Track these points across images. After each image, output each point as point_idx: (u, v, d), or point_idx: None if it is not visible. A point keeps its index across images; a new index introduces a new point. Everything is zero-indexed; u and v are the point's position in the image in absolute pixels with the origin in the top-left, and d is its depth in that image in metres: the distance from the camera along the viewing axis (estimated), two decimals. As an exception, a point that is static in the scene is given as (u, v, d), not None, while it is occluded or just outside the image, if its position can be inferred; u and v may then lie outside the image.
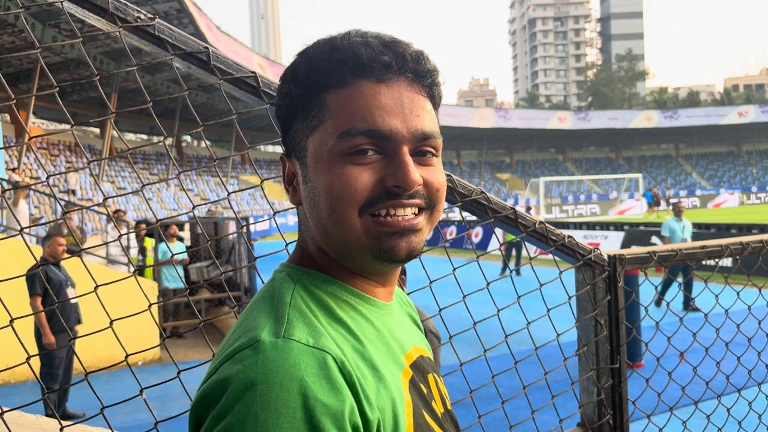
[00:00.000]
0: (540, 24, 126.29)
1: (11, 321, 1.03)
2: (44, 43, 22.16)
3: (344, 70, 0.75)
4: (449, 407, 0.89)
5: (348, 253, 0.78)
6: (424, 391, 0.82)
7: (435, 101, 0.82)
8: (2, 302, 0.96)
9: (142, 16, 1.09)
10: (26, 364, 1.05)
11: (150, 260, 10.75)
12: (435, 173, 0.79)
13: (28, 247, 1.04)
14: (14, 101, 0.96)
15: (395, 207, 0.75)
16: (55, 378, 6.13)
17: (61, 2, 1.01)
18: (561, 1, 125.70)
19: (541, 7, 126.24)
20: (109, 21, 1.06)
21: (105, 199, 0.96)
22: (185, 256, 10.03)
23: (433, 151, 0.79)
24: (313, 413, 0.63)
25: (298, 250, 0.85)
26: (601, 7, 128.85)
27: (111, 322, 1.05)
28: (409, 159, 0.75)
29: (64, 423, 1.08)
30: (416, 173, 0.74)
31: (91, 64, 1.03)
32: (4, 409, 1.04)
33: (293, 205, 0.84)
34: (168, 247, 9.76)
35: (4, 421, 1.04)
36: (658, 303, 8.45)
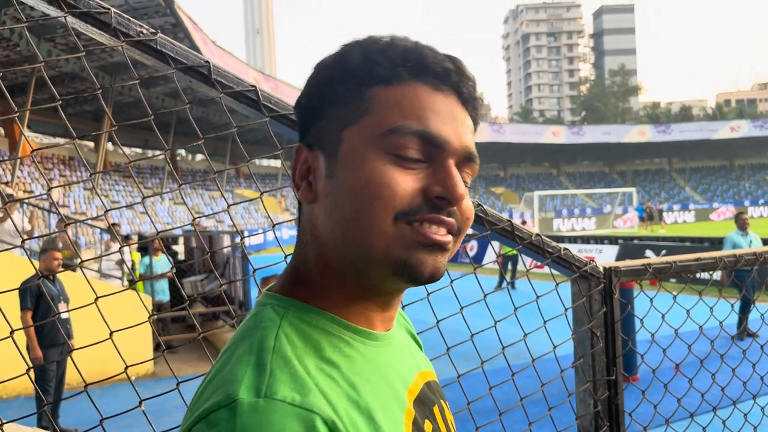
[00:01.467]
0: (534, 39, 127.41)
1: (11, 333, 1.03)
2: (39, 57, 22.25)
3: (402, 67, 0.69)
4: None
5: (362, 265, 0.68)
6: (430, 428, 0.74)
7: (475, 129, 0.76)
8: (4, 315, 0.97)
9: (144, 31, 1.11)
10: (20, 378, 1.05)
11: (137, 274, 10.73)
12: (468, 199, 0.73)
13: (31, 261, 1.05)
14: (17, 114, 0.97)
15: (434, 222, 0.67)
16: (47, 393, 6.09)
17: (65, 17, 1.02)
18: (554, 16, 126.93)
19: (534, 23, 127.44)
20: (112, 36, 1.07)
21: (107, 210, 0.97)
22: (168, 269, 10.00)
23: (471, 175, 0.74)
24: None
25: (291, 270, 0.75)
26: (594, 23, 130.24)
27: (111, 334, 1.06)
28: (457, 172, 0.69)
29: (63, 435, 1.08)
30: (463, 187, 0.68)
31: (94, 79, 1.04)
32: (3, 420, 1.04)
33: (289, 218, 0.79)
34: (144, 262, 9.75)
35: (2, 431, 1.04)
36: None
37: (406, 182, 0.66)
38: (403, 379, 0.74)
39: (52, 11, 1.05)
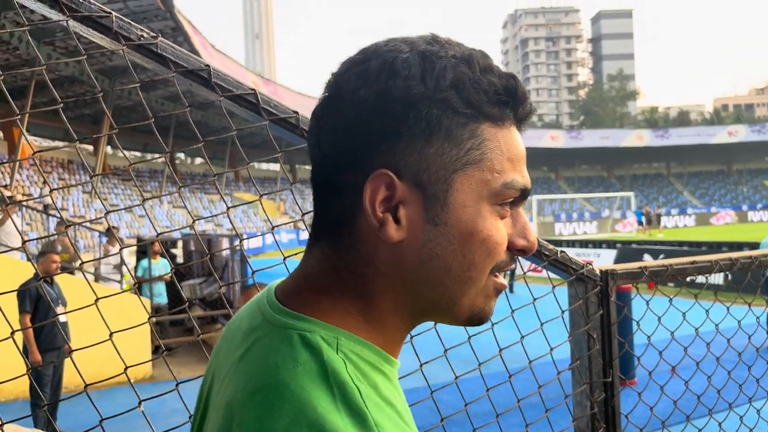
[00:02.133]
0: (532, 44, 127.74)
1: (12, 334, 1.04)
2: (39, 60, 22.21)
3: (508, 107, 0.65)
4: None
5: (439, 309, 0.66)
6: None
7: None
8: (5, 316, 0.98)
9: (145, 35, 1.12)
10: (17, 381, 1.06)
11: (126, 277, 10.74)
12: None
13: (32, 263, 1.06)
14: (18, 117, 0.98)
15: (508, 270, 0.68)
16: (42, 396, 6.08)
17: (66, 21, 1.04)
18: (553, 21, 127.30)
19: (533, 28, 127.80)
20: (113, 39, 1.08)
21: (107, 213, 0.98)
22: (167, 272, 10.01)
23: None
24: None
25: (329, 298, 0.65)
26: (592, 28, 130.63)
27: (111, 335, 1.07)
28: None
29: (63, 435, 1.09)
30: None
31: (95, 82, 1.05)
32: (3, 421, 1.05)
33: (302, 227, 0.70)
34: (142, 265, 9.76)
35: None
36: None
37: (505, 234, 0.65)
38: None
39: (54, 15, 1.06)
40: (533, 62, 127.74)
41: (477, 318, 0.67)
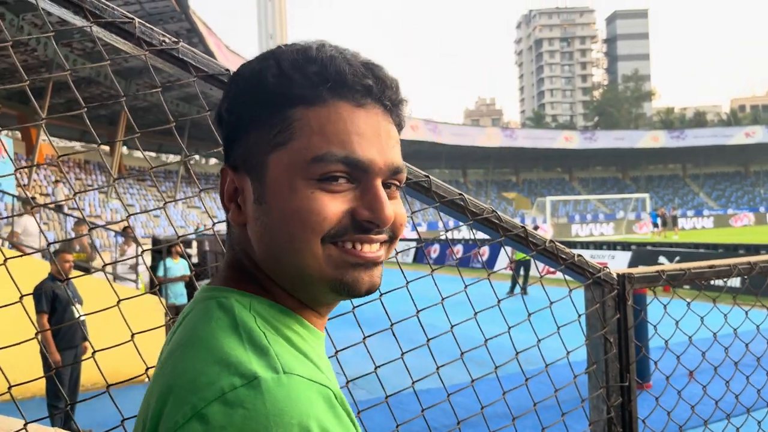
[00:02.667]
0: (546, 44, 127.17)
1: (36, 335, 1.06)
2: (57, 62, 22.30)
3: (323, 87, 0.69)
4: None
5: (301, 283, 0.71)
6: None
7: (399, 132, 0.77)
8: (29, 315, 1.00)
9: (167, 40, 1.13)
10: (28, 380, 1.07)
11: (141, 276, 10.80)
12: (399, 206, 0.74)
13: (54, 263, 1.07)
14: (44, 121, 0.99)
15: (363, 242, 0.69)
16: (61, 396, 6.14)
17: (90, 27, 1.05)
18: (567, 21, 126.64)
19: (547, 28, 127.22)
20: (135, 45, 1.10)
21: (128, 216, 0.99)
22: (187, 272, 10.06)
23: (399, 183, 0.74)
24: None
25: (234, 271, 0.75)
26: (608, 29, 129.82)
27: (132, 336, 1.08)
28: (384, 193, 0.70)
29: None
30: (391, 209, 0.69)
31: (117, 87, 1.07)
32: (27, 420, 1.07)
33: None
34: (165, 264, 9.87)
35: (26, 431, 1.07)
36: None
37: (333, 206, 0.67)
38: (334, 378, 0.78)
39: (78, 21, 1.08)
40: (547, 63, 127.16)
41: (342, 288, 0.69)
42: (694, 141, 61.11)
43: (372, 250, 0.70)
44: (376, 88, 0.71)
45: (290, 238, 0.68)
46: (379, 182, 0.70)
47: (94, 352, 1.08)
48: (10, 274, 1.05)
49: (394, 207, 0.72)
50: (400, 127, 0.76)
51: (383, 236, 0.71)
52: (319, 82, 0.69)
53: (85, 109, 1.07)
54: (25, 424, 1.09)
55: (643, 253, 16.84)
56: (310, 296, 0.72)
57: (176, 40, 1.14)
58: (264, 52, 0.74)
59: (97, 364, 1.08)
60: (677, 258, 15.01)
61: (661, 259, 15.43)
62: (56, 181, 13.08)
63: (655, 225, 35.45)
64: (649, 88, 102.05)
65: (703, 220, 45.38)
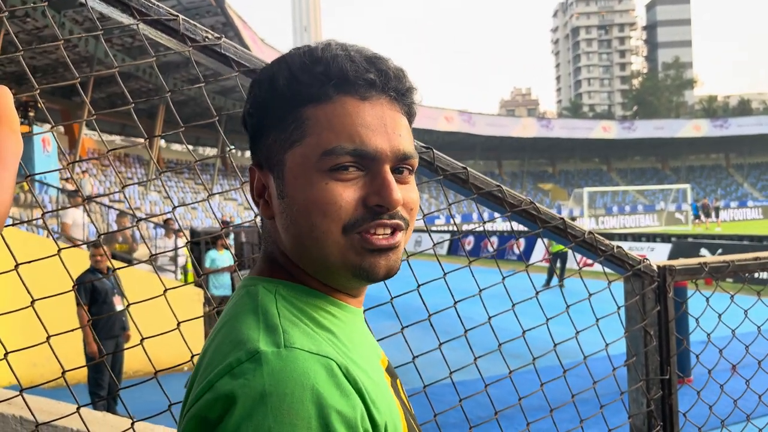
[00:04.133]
0: (584, 32, 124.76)
1: (89, 321, 1.10)
2: (96, 57, 22.78)
3: (328, 85, 0.74)
4: (414, 414, 0.87)
5: (325, 269, 0.76)
6: (400, 395, 0.81)
7: (411, 119, 0.82)
8: (81, 306, 1.03)
9: (210, 36, 1.16)
10: (62, 372, 1.11)
11: (189, 265, 10.99)
12: (410, 191, 0.78)
13: (108, 256, 1.11)
14: (94, 117, 1.03)
15: (377, 227, 0.74)
16: (101, 384, 6.32)
17: (137, 24, 1.08)
18: (605, 9, 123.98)
19: (585, 16, 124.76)
20: (180, 41, 1.13)
21: (174, 208, 1.02)
22: (232, 263, 10.21)
23: (411, 168, 0.79)
24: (328, 422, 0.61)
25: (266, 262, 0.82)
26: (647, 15, 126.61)
27: (178, 324, 1.11)
28: (392, 178, 0.74)
29: (134, 419, 1.14)
30: (399, 193, 0.74)
31: (166, 86, 1.10)
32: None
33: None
34: (210, 256, 10.08)
35: (80, 416, 1.11)
36: None
37: (347, 195, 0.73)
38: (376, 351, 0.82)
39: (125, 19, 1.11)
40: (584, 51, 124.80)
41: (361, 273, 0.74)
42: (738, 130, 59.29)
43: (386, 234, 0.75)
44: (379, 81, 0.75)
45: (311, 228, 0.73)
46: (386, 168, 0.74)
47: (142, 339, 1.12)
48: (64, 266, 1.09)
49: (406, 192, 0.76)
50: (409, 114, 0.81)
51: (397, 221, 0.75)
52: (325, 80, 0.74)
53: (133, 105, 1.11)
54: (78, 408, 1.14)
55: (684, 245, 16.46)
56: (336, 281, 0.77)
57: (219, 36, 1.16)
58: (278, 57, 0.81)
59: (145, 352, 1.12)
60: (719, 250, 14.63)
61: (703, 251, 15.06)
62: (84, 171, 13.35)
63: (696, 216, 34.59)
64: (690, 76, 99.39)
65: (747, 211, 44.09)
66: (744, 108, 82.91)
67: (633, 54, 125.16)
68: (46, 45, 1.10)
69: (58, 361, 1.14)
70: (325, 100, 0.74)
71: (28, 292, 1.08)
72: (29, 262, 1.04)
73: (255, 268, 0.82)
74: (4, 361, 1.15)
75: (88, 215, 1.17)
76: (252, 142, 0.81)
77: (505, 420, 1.58)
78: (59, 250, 1.09)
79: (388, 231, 0.75)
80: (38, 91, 1.10)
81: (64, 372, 1.09)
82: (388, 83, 0.76)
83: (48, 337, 1.11)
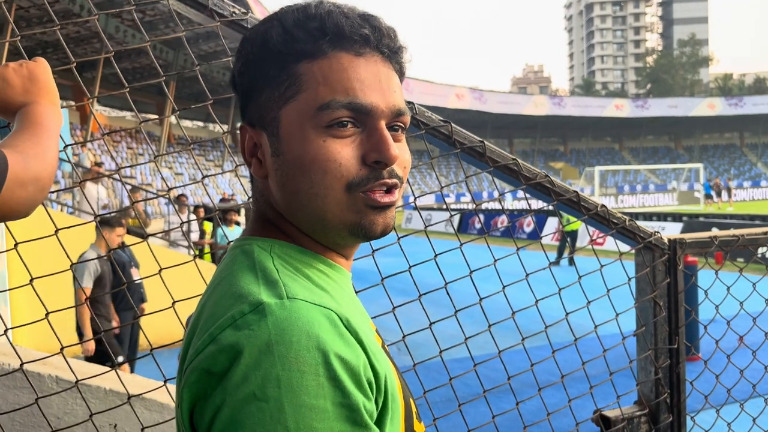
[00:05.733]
0: (597, 9, 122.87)
1: (119, 287, 1.15)
2: (107, 33, 22.70)
3: (323, 40, 0.74)
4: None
5: (322, 226, 0.76)
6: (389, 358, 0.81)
7: (402, 78, 0.82)
8: (114, 267, 1.08)
9: (237, 11, 1.19)
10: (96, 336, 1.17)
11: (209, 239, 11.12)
12: (404, 150, 0.79)
13: (138, 231, 1.16)
14: (119, 97, 1.07)
15: (381, 187, 0.74)
16: (117, 354, 6.46)
17: (168, 0, 1.12)
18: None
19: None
20: (208, 16, 1.17)
21: (196, 181, 1.07)
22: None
23: (404, 126, 0.79)
24: (334, 368, 0.61)
25: (259, 222, 0.81)
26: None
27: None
28: (388, 134, 0.74)
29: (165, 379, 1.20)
30: (395, 149, 0.74)
31: (194, 58, 1.14)
32: (119, 360, 1.17)
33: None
34: (224, 232, 10.16)
35: (117, 374, 1.18)
36: None
37: (346, 152, 0.73)
38: (365, 313, 0.82)
39: (155, -6, 1.14)
40: (598, 28, 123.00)
41: (360, 231, 0.75)
42: (753, 108, 58.56)
43: (386, 194, 0.75)
44: (373, 37, 0.75)
45: (311, 185, 0.73)
46: (382, 124, 0.74)
47: (162, 310, 1.17)
48: (103, 237, 1.14)
49: (400, 150, 0.77)
50: (401, 73, 0.81)
51: (394, 180, 0.76)
52: (319, 36, 0.74)
53: (164, 78, 1.15)
54: (113, 366, 1.20)
55: (695, 225, 16.41)
56: (329, 239, 0.78)
57: (245, 11, 1.20)
58: (269, 15, 0.80)
59: (183, 323, 1.18)
60: (731, 230, 14.57)
61: (714, 230, 15.01)
62: (82, 144, 13.38)
63: (708, 196, 34.36)
64: (706, 53, 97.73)
65: (761, 191, 43.70)
66: (760, 86, 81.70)
67: (648, 31, 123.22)
68: (75, 20, 1.14)
69: (95, 328, 1.20)
70: (320, 56, 0.74)
71: (65, 264, 1.13)
72: (59, 230, 1.09)
73: (247, 229, 0.83)
74: (28, 328, 1.21)
75: (106, 189, 1.21)
76: (243, 101, 0.80)
77: (521, 385, 1.64)
78: (96, 217, 1.14)
79: (385, 189, 0.76)
80: (74, 64, 1.14)
81: (99, 334, 1.15)
82: (382, 40, 0.76)
83: (77, 305, 1.16)
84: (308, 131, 0.73)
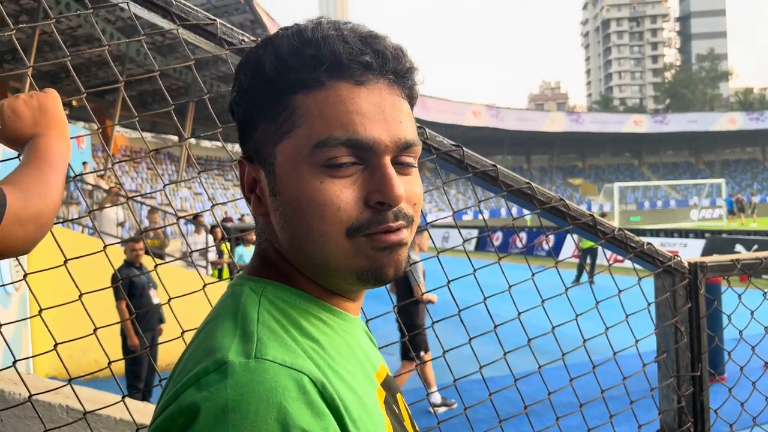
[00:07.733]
0: (614, 25, 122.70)
1: (129, 316, 1.15)
2: (128, 56, 23.16)
3: (319, 70, 0.66)
4: (417, 428, 0.81)
5: (325, 273, 0.70)
6: (396, 411, 0.74)
7: (412, 102, 0.74)
8: (127, 302, 1.08)
9: (246, 39, 1.20)
10: (108, 363, 1.16)
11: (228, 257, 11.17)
12: (413, 185, 0.71)
13: (149, 250, 1.16)
14: (137, 119, 1.07)
15: (387, 231, 0.68)
16: (139, 375, 6.48)
17: (177, 29, 1.12)
18: (637, 0, 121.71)
19: (615, 8, 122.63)
20: (217, 44, 1.17)
21: (213, 206, 1.06)
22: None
23: (413, 160, 0.71)
24: None
25: (258, 260, 0.75)
26: (680, 6, 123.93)
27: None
28: (393, 172, 0.67)
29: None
30: (401, 188, 0.67)
31: (203, 87, 1.13)
32: (125, 394, 1.16)
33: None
34: (242, 251, 10.27)
35: (125, 404, 1.17)
36: None
37: (346, 194, 0.66)
38: (372, 362, 0.75)
39: (165, 24, 1.15)
40: (615, 44, 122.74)
41: (368, 276, 0.68)
42: (774, 123, 57.87)
43: (395, 233, 0.68)
44: (375, 63, 0.68)
45: (309, 230, 0.67)
46: (386, 160, 0.67)
47: (183, 332, 1.16)
48: (110, 260, 1.14)
49: (409, 185, 0.70)
50: (411, 97, 0.73)
51: (402, 222, 0.68)
52: (316, 65, 0.67)
53: (173, 106, 1.15)
54: (123, 397, 1.19)
55: (718, 241, 16.14)
56: (335, 285, 0.71)
57: (254, 39, 1.20)
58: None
59: (185, 341, 1.16)
60: (755, 246, 14.31)
61: (738, 247, 14.75)
62: (101, 175, 13.56)
63: (731, 212, 33.85)
64: (725, 68, 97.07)
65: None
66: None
67: (665, 46, 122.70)
68: (93, 49, 1.15)
69: (105, 353, 1.19)
70: (316, 87, 0.67)
71: (77, 287, 1.13)
72: (78, 258, 1.09)
73: (247, 267, 0.77)
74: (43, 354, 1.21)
75: (125, 210, 1.21)
76: (240, 133, 0.74)
77: (534, 415, 1.60)
78: (105, 246, 1.13)
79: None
80: (85, 95, 1.15)
81: (110, 363, 1.14)
82: (386, 65, 0.68)
83: (95, 329, 1.16)
84: (304, 171, 0.66)
